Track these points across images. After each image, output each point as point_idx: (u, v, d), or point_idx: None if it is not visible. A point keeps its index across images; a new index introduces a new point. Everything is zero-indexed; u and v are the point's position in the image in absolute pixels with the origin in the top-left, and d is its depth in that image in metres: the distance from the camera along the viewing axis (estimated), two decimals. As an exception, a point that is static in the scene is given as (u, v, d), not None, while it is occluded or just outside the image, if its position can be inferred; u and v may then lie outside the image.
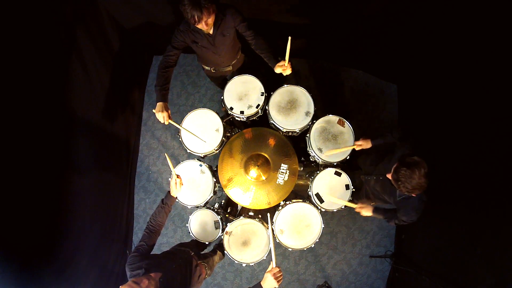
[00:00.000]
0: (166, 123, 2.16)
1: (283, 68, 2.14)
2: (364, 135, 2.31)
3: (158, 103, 2.15)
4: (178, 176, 1.98)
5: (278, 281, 1.67)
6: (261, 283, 1.69)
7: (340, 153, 2.40)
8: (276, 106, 2.49)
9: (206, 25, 1.94)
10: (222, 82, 2.87)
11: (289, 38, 1.96)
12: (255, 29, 2.22)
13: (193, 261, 2.10)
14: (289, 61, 2.11)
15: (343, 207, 2.41)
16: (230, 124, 2.87)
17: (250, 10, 2.54)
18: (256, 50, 2.29)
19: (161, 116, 2.12)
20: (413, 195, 1.74)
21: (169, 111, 2.17)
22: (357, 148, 2.31)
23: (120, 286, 1.53)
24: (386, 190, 2.07)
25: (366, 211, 2.24)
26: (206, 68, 2.60)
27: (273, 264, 1.73)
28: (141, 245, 1.87)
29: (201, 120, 2.54)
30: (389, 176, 1.77)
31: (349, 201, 2.36)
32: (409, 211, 1.90)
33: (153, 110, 2.15)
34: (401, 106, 3.36)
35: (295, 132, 2.49)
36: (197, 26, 1.95)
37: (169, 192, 2.00)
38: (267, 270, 1.70)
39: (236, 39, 2.37)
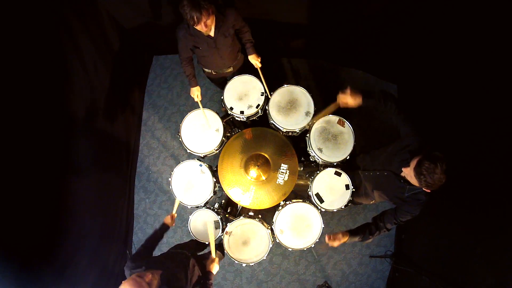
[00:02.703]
0: (198, 100, 2.55)
1: (255, 58, 2.45)
2: (364, 135, 2.28)
3: (192, 89, 2.51)
4: (174, 215, 2.28)
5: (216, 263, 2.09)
6: (212, 271, 2.05)
7: (341, 153, 2.40)
8: (276, 106, 2.49)
9: (205, 26, 1.94)
10: (222, 82, 2.87)
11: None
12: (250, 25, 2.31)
13: (191, 262, 2.09)
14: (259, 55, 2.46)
15: (343, 206, 2.40)
16: (230, 124, 2.87)
17: (250, 10, 2.55)
18: (241, 39, 2.41)
19: (196, 95, 2.53)
20: (428, 190, 1.69)
21: (200, 91, 2.56)
22: (342, 100, 1.98)
23: (123, 282, 1.50)
24: (390, 186, 2.03)
25: (338, 241, 2.03)
26: (207, 70, 2.60)
27: (212, 255, 2.12)
28: (138, 252, 1.94)
29: (201, 120, 2.54)
30: (405, 170, 1.73)
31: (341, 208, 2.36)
32: (415, 207, 1.85)
33: (192, 91, 2.53)
34: (401, 106, 3.35)
35: (295, 132, 2.49)
36: (196, 27, 1.95)
37: (164, 223, 2.21)
38: (211, 260, 2.08)
39: (235, 38, 2.38)
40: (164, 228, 2.19)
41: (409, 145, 1.86)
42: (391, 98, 1.94)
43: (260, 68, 2.47)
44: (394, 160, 1.96)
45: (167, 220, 2.23)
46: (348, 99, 1.95)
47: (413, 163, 1.66)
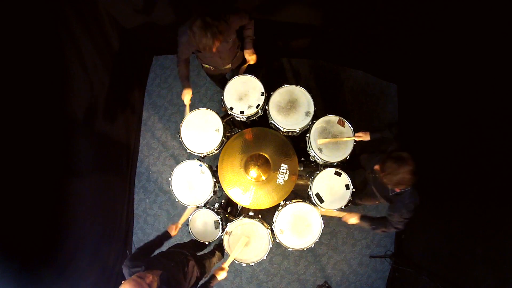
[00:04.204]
0: (187, 103, 2.51)
1: (249, 54, 2.38)
2: (363, 128, 2.33)
3: (186, 90, 2.46)
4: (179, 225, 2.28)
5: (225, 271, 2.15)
6: (218, 277, 2.08)
7: (341, 153, 2.40)
8: (276, 106, 2.49)
9: (214, 49, 1.97)
10: (221, 80, 2.87)
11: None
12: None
13: (190, 262, 2.09)
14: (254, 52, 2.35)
15: (343, 206, 2.41)
16: (230, 124, 2.87)
17: (250, 10, 2.54)
18: (244, 34, 2.38)
19: (186, 98, 2.47)
20: (397, 190, 1.80)
21: (191, 95, 2.51)
22: (357, 139, 2.32)
23: (123, 282, 1.50)
24: (379, 186, 2.08)
25: (352, 220, 2.24)
26: (206, 66, 2.60)
27: (225, 266, 2.14)
28: (136, 252, 1.93)
29: (201, 120, 2.54)
30: (376, 168, 1.80)
31: (340, 209, 2.40)
32: (400, 208, 1.90)
33: (184, 93, 2.47)
34: (401, 106, 3.36)
35: (295, 132, 2.48)
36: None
37: (167, 231, 2.21)
38: (220, 270, 2.12)
39: (236, 38, 2.38)
40: (166, 236, 2.18)
41: (391, 147, 1.98)
42: (394, 125, 2.14)
43: (252, 65, 2.48)
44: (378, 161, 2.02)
45: (171, 229, 2.22)
46: (361, 138, 2.31)
47: (380, 161, 1.75)
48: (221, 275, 2.11)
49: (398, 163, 1.65)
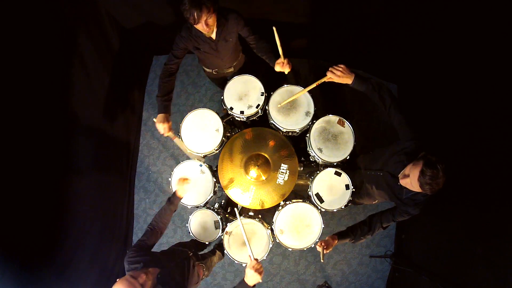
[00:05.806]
0: (166, 135, 2.18)
1: (281, 65, 2.11)
2: (364, 135, 2.28)
3: (160, 114, 2.16)
4: (185, 179, 2.19)
5: (259, 273, 1.68)
6: (244, 279, 1.72)
7: (341, 153, 2.40)
8: (276, 106, 2.49)
9: (206, 25, 1.90)
10: (222, 82, 2.87)
11: (274, 28, 1.87)
12: (257, 32, 2.22)
13: (191, 261, 2.10)
14: (285, 57, 2.05)
15: (343, 206, 2.40)
16: (230, 124, 2.87)
17: (250, 10, 2.54)
18: (258, 53, 2.30)
19: (162, 127, 2.14)
20: (429, 193, 1.66)
21: (170, 123, 2.18)
22: (335, 77, 2.01)
23: (118, 280, 1.51)
24: (388, 186, 2.03)
25: (330, 246, 2.07)
26: (208, 70, 2.60)
27: (251, 258, 1.73)
28: (142, 240, 1.88)
29: (201, 120, 2.54)
30: (404, 181, 1.70)
31: (340, 209, 2.35)
32: (413, 208, 1.84)
33: (154, 120, 2.16)
34: (401, 106, 3.35)
35: (295, 132, 2.49)
36: (197, 27, 1.93)
37: (175, 192, 2.11)
38: (247, 266, 1.71)
39: (238, 42, 2.37)
40: (175, 201, 2.09)
41: (406, 147, 1.85)
42: (388, 93, 1.92)
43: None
44: (390, 161, 1.95)
45: (179, 184, 2.14)
46: (335, 78, 1.99)
47: (414, 174, 1.61)
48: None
49: (437, 167, 1.54)
